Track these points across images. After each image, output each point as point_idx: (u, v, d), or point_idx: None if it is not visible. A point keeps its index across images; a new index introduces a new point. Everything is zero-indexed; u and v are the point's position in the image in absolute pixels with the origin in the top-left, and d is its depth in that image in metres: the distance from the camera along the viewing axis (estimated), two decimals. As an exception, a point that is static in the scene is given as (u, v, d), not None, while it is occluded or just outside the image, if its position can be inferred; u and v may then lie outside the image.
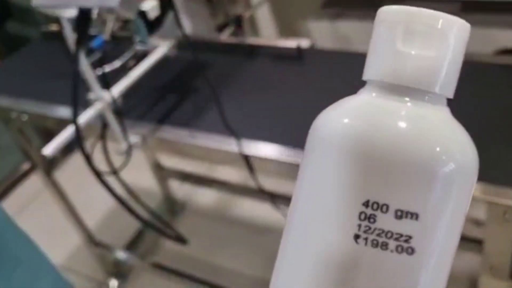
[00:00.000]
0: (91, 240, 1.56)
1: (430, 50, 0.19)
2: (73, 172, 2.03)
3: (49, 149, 0.83)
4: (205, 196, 1.85)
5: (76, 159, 2.02)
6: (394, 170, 0.18)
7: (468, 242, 1.29)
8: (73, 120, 0.72)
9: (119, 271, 1.66)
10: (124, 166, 0.93)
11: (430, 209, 0.18)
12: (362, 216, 0.18)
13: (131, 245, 1.66)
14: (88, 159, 0.78)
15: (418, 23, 0.19)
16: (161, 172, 1.76)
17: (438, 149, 0.18)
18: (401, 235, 0.18)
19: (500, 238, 0.75)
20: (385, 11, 0.20)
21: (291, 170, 0.83)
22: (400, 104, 0.20)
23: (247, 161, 0.86)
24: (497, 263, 0.79)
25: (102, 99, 0.88)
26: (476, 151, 0.20)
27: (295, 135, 0.83)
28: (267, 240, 1.60)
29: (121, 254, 1.58)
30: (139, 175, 1.55)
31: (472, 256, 1.33)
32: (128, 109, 1.00)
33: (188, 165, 1.89)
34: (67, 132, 0.86)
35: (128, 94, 0.98)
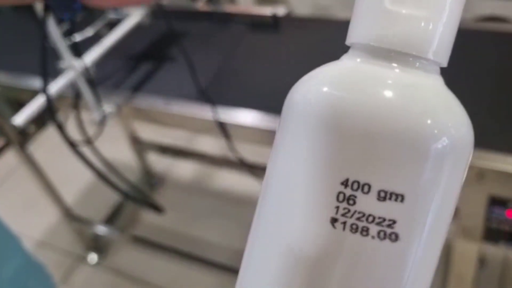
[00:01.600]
0: (69, 214, 1.55)
1: (424, 9, 0.17)
2: (49, 147, 2.01)
3: (20, 119, 0.81)
4: (184, 169, 1.85)
5: (51, 133, 1.99)
6: (379, 145, 0.16)
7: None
8: (43, 89, 0.70)
9: (98, 245, 1.65)
10: (98, 136, 0.92)
11: (417, 190, 0.16)
12: (341, 197, 0.16)
13: (110, 219, 1.66)
14: (60, 128, 0.76)
15: None
16: (138, 145, 1.75)
17: (429, 121, 0.16)
18: (384, 219, 0.16)
19: (474, 200, 0.76)
20: None
21: (267, 137, 0.83)
22: (387, 71, 0.17)
23: (223, 129, 0.85)
24: (470, 225, 0.80)
25: (73, 68, 0.86)
26: (471, 124, 0.18)
27: (271, 103, 0.82)
28: (246, 211, 1.61)
29: (100, 228, 1.57)
30: (117, 149, 1.54)
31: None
32: (102, 79, 0.98)
33: (166, 138, 1.88)
34: (38, 101, 0.84)
35: (102, 63, 0.96)
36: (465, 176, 0.18)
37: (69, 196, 1.71)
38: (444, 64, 0.19)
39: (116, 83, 0.99)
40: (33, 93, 1.02)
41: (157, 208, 0.96)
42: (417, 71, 0.17)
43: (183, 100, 0.91)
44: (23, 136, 1.37)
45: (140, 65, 1.03)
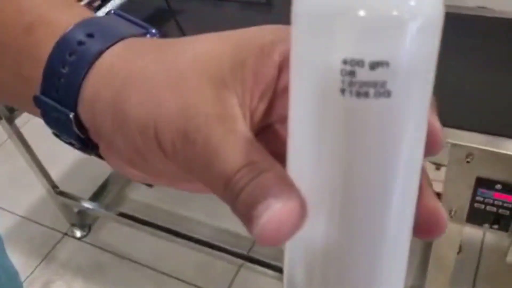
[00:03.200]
0: (54, 190, 1.54)
1: None
2: (36, 123, 1.99)
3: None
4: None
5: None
6: (367, 27, 0.20)
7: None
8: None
9: (82, 221, 1.65)
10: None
11: (398, 56, 0.20)
12: (344, 72, 0.20)
13: (95, 196, 1.65)
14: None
15: None
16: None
17: (412, 3, 0.20)
18: (377, 82, 0.20)
19: (460, 181, 0.77)
20: None
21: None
22: None
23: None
24: (456, 207, 0.81)
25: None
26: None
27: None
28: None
29: (85, 204, 1.57)
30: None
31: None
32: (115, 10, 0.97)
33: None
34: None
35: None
36: (438, 42, 0.22)
37: (56, 172, 1.70)
38: None
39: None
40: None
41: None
42: None
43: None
44: (11, 110, 1.36)
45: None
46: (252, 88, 0.24)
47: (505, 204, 0.78)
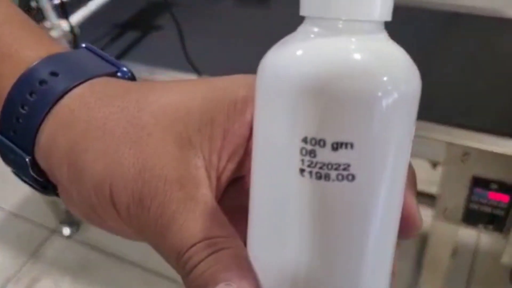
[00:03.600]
0: (43, 185, 1.52)
1: None
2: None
3: None
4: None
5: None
6: (333, 105, 0.18)
7: (420, 197, 1.32)
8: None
9: (71, 218, 1.63)
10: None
11: (366, 137, 0.19)
12: (304, 152, 0.19)
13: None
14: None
15: None
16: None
17: (384, 78, 0.18)
18: (339, 165, 0.19)
19: (456, 179, 0.76)
20: None
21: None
22: (341, 38, 0.19)
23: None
24: (451, 206, 0.80)
25: (57, 28, 0.84)
26: (419, 74, 0.20)
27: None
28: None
29: (74, 201, 1.55)
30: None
31: (423, 211, 1.36)
32: (87, 43, 0.96)
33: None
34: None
35: (87, 27, 0.94)
36: (415, 120, 0.20)
37: (44, 167, 1.68)
38: (388, 18, 0.20)
39: (101, 48, 0.97)
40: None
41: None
42: (365, 34, 0.19)
43: (168, 70, 0.89)
44: None
45: (127, 32, 1.01)
46: (221, 148, 0.23)
47: (500, 205, 0.77)
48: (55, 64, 0.24)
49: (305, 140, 0.19)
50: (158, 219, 0.21)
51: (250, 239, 0.22)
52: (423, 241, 1.18)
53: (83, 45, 0.27)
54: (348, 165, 0.19)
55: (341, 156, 0.19)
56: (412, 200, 0.22)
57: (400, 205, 0.21)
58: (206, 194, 0.22)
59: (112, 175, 0.21)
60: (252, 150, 0.21)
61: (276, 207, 0.20)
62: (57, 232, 1.62)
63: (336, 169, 0.19)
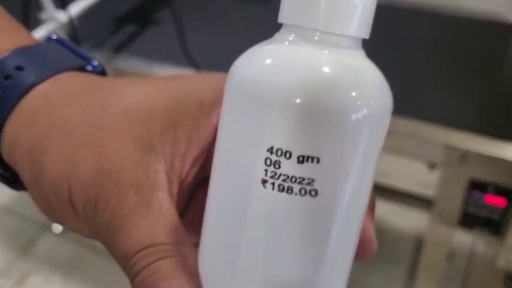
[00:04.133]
0: (36, 180, 1.51)
1: None
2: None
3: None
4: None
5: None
6: (301, 118, 0.18)
7: (417, 201, 1.33)
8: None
9: (64, 214, 1.62)
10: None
11: (332, 153, 0.18)
12: (268, 162, 0.18)
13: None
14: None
15: None
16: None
17: (353, 94, 0.18)
18: (304, 179, 0.18)
19: (453, 182, 0.76)
20: None
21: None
22: (315, 50, 0.19)
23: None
24: (447, 208, 0.80)
25: (55, 19, 0.83)
26: (390, 93, 0.19)
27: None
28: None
29: (67, 197, 1.54)
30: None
31: (419, 214, 1.36)
32: (83, 36, 0.95)
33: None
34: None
35: (85, 19, 0.93)
36: (383, 141, 0.20)
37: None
38: (366, 36, 0.20)
39: (99, 42, 0.96)
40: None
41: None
42: (340, 48, 0.19)
43: (167, 64, 0.88)
44: None
45: (126, 26, 1.00)
46: (185, 153, 0.22)
47: (496, 208, 0.77)
48: (21, 58, 0.24)
49: (270, 150, 0.18)
50: (110, 222, 0.21)
51: (203, 244, 0.21)
52: (419, 243, 1.17)
53: (54, 36, 0.27)
54: (312, 180, 0.18)
55: (306, 170, 0.18)
56: (370, 224, 0.22)
57: (360, 223, 0.21)
58: (162, 198, 0.21)
59: (70, 177, 0.21)
60: (214, 155, 0.21)
61: (233, 216, 0.20)
62: (49, 227, 1.61)
63: (299, 182, 0.18)
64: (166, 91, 0.23)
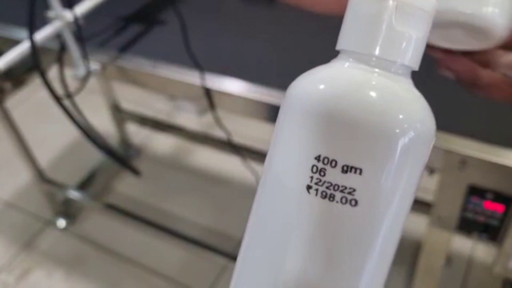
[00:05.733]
0: (41, 177, 1.52)
1: (412, 29, 0.21)
2: (25, 108, 1.97)
3: (1, 62, 0.79)
4: (162, 142, 1.83)
5: (28, 94, 1.95)
6: (351, 132, 0.20)
7: (417, 205, 1.32)
8: (30, 31, 0.68)
9: (67, 210, 1.63)
10: (80, 91, 0.90)
11: (375, 167, 0.20)
12: (314, 169, 0.20)
13: (82, 185, 1.63)
14: (42, 74, 0.74)
15: (405, 4, 0.21)
16: (118, 114, 1.72)
17: (401, 117, 0.20)
18: (346, 188, 0.20)
19: (452, 187, 0.76)
20: None
21: (252, 108, 0.82)
22: (368, 74, 0.21)
23: (209, 96, 0.84)
24: (446, 214, 0.80)
25: (61, 18, 0.84)
26: (433, 118, 0.21)
27: (261, 74, 0.81)
28: (220, 191, 1.60)
29: (71, 193, 1.54)
30: (95, 118, 1.51)
31: (419, 219, 1.36)
32: (89, 35, 0.96)
33: (147, 110, 1.86)
34: (22, 47, 0.81)
35: (90, 18, 0.94)
36: (426, 160, 0.21)
37: (43, 159, 1.67)
38: (416, 68, 0.22)
39: (104, 41, 0.97)
40: (14, 43, 1.00)
41: (135, 171, 0.94)
42: (393, 75, 0.21)
43: (171, 64, 0.89)
44: (0, 92, 1.34)
45: (130, 25, 1.01)
46: None
47: (495, 214, 0.77)
48: None
49: (318, 158, 0.20)
50: None
51: (248, 238, 0.23)
52: (417, 248, 1.17)
53: None
54: (354, 190, 0.20)
55: (349, 180, 0.20)
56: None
57: (398, 235, 0.22)
58: None
59: None
60: (265, 161, 0.23)
61: (279, 218, 0.21)
62: (52, 223, 1.62)
63: (342, 191, 0.20)
64: None
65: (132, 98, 1.85)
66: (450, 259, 1.30)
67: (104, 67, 0.93)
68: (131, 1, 1.07)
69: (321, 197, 0.20)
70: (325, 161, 0.20)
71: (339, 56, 0.22)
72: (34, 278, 1.49)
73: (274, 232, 0.21)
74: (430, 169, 0.78)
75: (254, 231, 0.23)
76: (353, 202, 0.20)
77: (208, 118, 1.74)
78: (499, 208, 0.75)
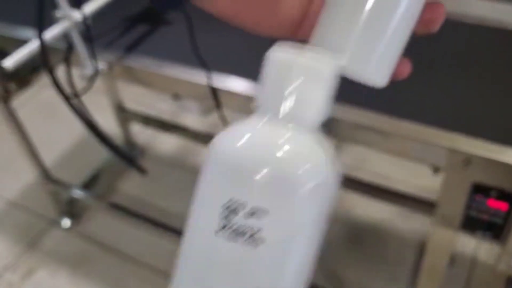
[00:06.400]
0: (45, 176, 1.52)
1: (310, 93, 0.24)
2: (30, 108, 1.98)
3: (10, 62, 0.79)
4: (166, 142, 1.84)
5: (33, 94, 1.95)
6: (258, 180, 0.22)
7: (421, 204, 1.33)
8: (39, 30, 0.69)
9: (72, 210, 1.64)
10: (87, 90, 0.91)
11: (280, 208, 0.22)
12: (224, 213, 0.22)
13: (87, 185, 1.64)
14: (51, 73, 0.75)
15: (300, 72, 0.24)
16: (123, 114, 1.73)
17: (300, 172, 0.22)
18: (253, 228, 0.22)
19: (456, 186, 0.76)
20: (274, 57, 0.26)
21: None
22: (281, 130, 0.24)
23: (215, 95, 0.85)
24: (450, 212, 0.81)
25: (69, 18, 0.85)
26: (337, 168, 0.24)
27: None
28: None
29: (76, 192, 1.55)
30: (100, 118, 1.52)
31: (423, 218, 1.37)
32: (96, 35, 0.96)
33: (151, 110, 1.86)
34: (30, 47, 0.82)
35: (97, 19, 0.95)
36: (331, 202, 0.24)
37: (48, 158, 1.68)
38: (323, 120, 0.25)
39: (111, 41, 0.98)
40: (20, 43, 1.00)
41: (141, 170, 0.95)
42: (303, 130, 0.24)
43: (177, 63, 0.90)
44: (6, 92, 1.35)
45: (137, 25, 1.01)
46: None
47: (499, 213, 0.77)
48: None
49: (230, 200, 0.22)
50: None
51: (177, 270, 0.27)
52: (421, 247, 1.18)
53: None
54: (260, 229, 0.22)
55: (256, 220, 0.22)
56: None
57: (307, 269, 0.24)
58: None
59: None
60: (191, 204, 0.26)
61: (195, 258, 0.24)
62: (57, 222, 1.63)
63: (249, 231, 0.22)
64: None
65: (136, 98, 1.85)
66: (454, 260, 1.30)
67: (110, 66, 0.94)
68: (138, 1, 1.08)
69: (229, 239, 0.22)
70: (236, 204, 0.22)
71: (258, 109, 0.25)
72: (39, 278, 1.50)
73: (195, 271, 0.24)
74: (435, 168, 0.78)
75: (181, 264, 0.26)
76: (259, 241, 0.22)
77: (212, 118, 1.75)
78: (503, 206, 0.76)
